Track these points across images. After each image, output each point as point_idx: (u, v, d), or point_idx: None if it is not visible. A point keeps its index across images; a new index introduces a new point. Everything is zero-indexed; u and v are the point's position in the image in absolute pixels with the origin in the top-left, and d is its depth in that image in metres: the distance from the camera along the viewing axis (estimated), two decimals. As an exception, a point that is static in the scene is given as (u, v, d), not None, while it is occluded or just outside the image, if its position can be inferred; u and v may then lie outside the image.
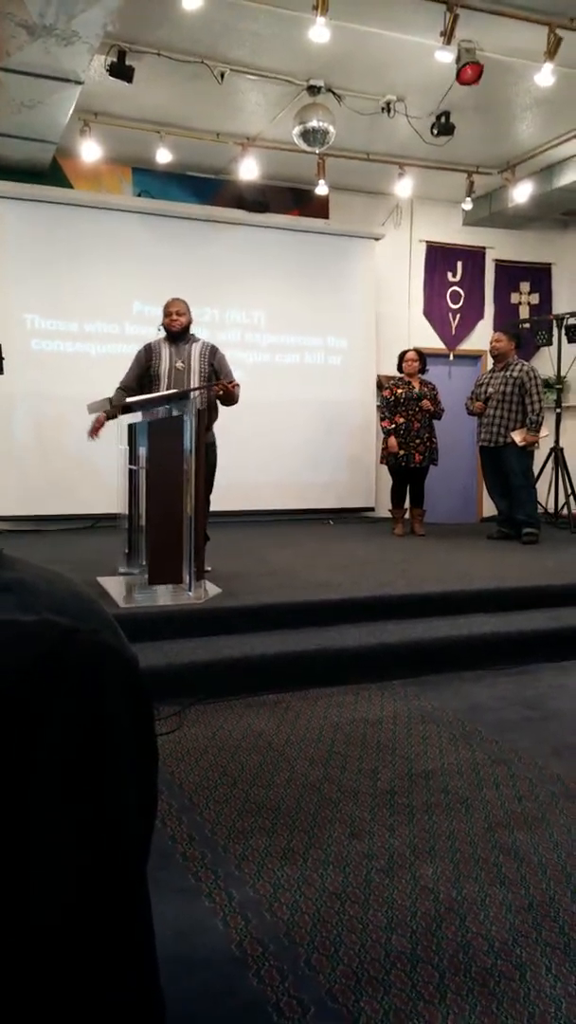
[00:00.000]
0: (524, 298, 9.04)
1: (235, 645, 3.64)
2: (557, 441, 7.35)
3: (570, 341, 7.54)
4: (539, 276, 9.06)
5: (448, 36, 5.02)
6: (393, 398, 6.75)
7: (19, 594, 0.58)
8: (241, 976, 1.61)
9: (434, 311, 8.73)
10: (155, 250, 7.40)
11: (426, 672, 3.70)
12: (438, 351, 8.53)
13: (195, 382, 4.78)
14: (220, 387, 4.68)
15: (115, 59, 5.39)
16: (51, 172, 7.10)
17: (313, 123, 6.17)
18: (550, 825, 2.27)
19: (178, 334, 4.90)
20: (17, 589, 0.59)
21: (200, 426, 4.34)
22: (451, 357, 8.76)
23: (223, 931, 1.76)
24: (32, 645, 0.55)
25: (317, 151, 6.54)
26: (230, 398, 4.72)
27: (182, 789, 2.50)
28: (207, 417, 4.62)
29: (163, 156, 6.86)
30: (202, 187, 7.75)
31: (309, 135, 6.25)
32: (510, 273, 8.97)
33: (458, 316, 8.81)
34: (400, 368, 6.89)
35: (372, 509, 8.28)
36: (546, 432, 6.64)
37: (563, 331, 7.57)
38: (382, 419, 6.90)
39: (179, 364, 4.84)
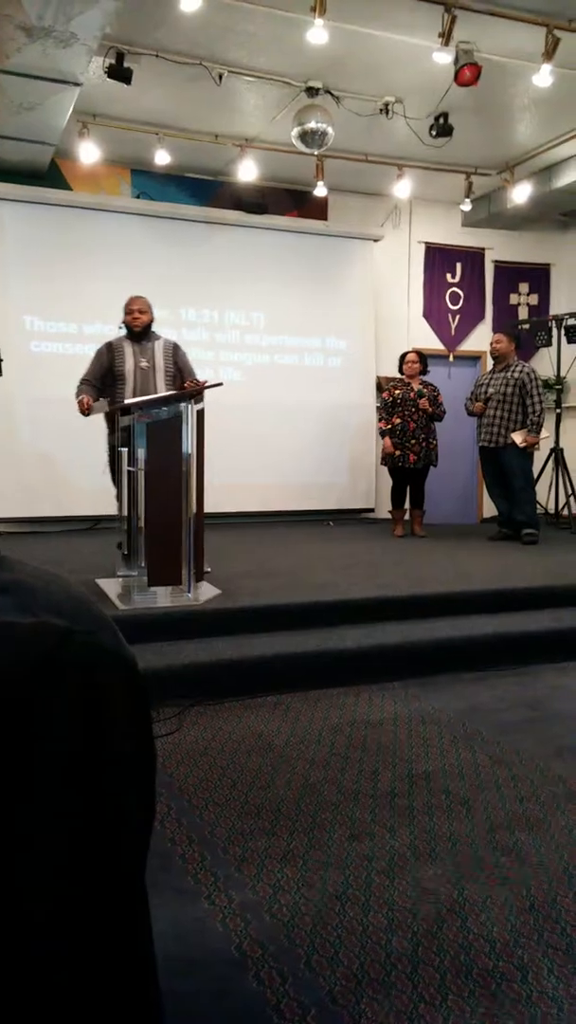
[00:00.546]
0: (523, 299, 9.04)
1: (234, 646, 3.63)
2: (557, 442, 7.35)
3: (569, 342, 7.54)
4: (538, 277, 9.07)
5: (446, 37, 5.02)
6: (391, 399, 6.75)
7: (16, 596, 0.58)
8: (241, 978, 1.60)
9: (433, 312, 8.74)
10: (154, 252, 7.40)
11: (426, 673, 3.70)
12: (438, 352, 8.54)
13: (160, 380, 4.82)
14: (192, 385, 4.72)
15: (113, 61, 5.40)
16: (50, 174, 7.11)
17: (311, 124, 6.18)
18: (551, 826, 2.26)
19: (140, 332, 4.92)
20: (14, 591, 0.58)
21: (201, 428, 4.34)
22: (451, 358, 8.76)
23: (223, 933, 1.76)
24: (29, 647, 0.54)
25: (316, 152, 6.55)
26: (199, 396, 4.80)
27: (181, 791, 2.49)
28: None
29: (162, 158, 6.87)
30: (201, 189, 7.75)
31: (308, 136, 6.26)
32: (509, 274, 8.97)
33: (457, 317, 8.81)
34: (401, 370, 6.89)
35: (372, 510, 8.28)
36: (546, 433, 6.64)
37: (562, 332, 7.58)
38: (379, 420, 6.91)
39: (143, 363, 4.85)
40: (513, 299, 9.02)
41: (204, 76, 5.74)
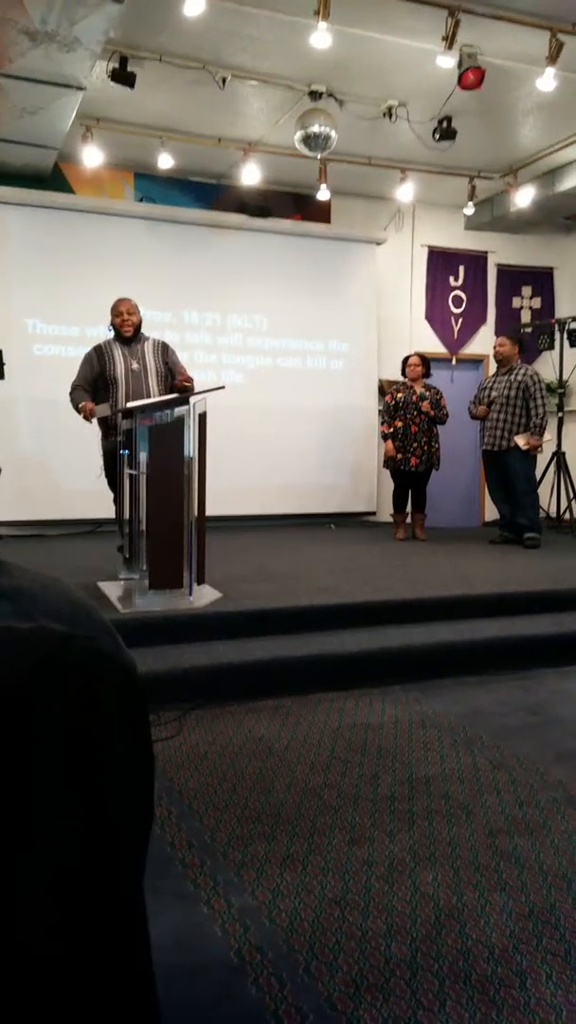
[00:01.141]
0: (526, 302, 9.04)
1: (235, 650, 3.63)
2: (559, 445, 7.35)
3: (572, 345, 7.54)
4: (541, 280, 9.06)
5: (449, 41, 5.03)
6: (394, 402, 6.76)
7: (16, 601, 0.58)
8: (240, 984, 1.60)
9: (436, 315, 8.74)
10: (157, 255, 7.41)
11: (427, 677, 3.69)
12: (440, 355, 8.53)
13: (153, 382, 4.80)
14: (183, 382, 4.72)
15: (117, 65, 5.40)
16: (53, 177, 7.12)
17: (315, 128, 6.18)
18: (551, 831, 2.26)
19: (130, 335, 4.89)
20: (14, 596, 0.59)
21: (203, 431, 4.35)
22: (453, 362, 8.75)
23: (222, 938, 1.76)
24: (28, 652, 0.55)
25: (319, 156, 6.55)
26: (189, 392, 4.79)
27: (181, 795, 2.49)
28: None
29: (165, 161, 6.88)
30: (204, 192, 7.76)
31: (311, 140, 6.26)
32: (512, 277, 8.97)
33: (460, 320, 8.81)
34: (403, 373, 6.90)
35: (374, 513, 8.27)
36: (549, 436, 6.64)
37: (565, 335, 7.57)
38: (381, 423, 6.91)
39: (134, 365, 4.83)
40: (516, 302, 9.02)
41: (207, 80, 5.75)
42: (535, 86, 5.49)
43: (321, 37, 4.85)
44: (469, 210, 8.07)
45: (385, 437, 6.78)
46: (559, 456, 7.33)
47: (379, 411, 7.46)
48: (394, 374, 7.22)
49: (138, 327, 4.92)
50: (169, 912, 1.84)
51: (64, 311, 7.15)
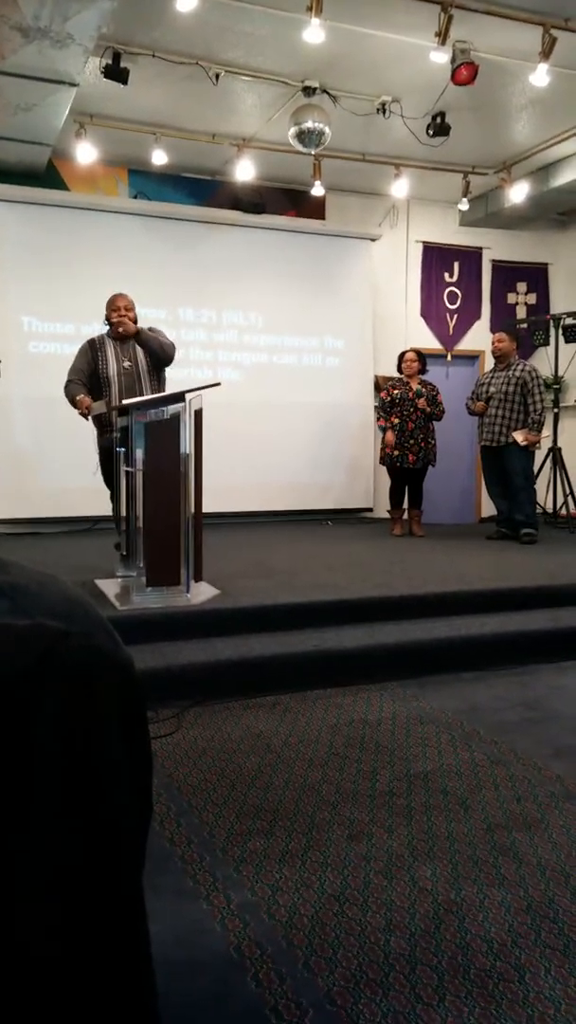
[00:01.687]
0: (521, 298, 9.04)
1: (233, 646, 3.63)
2: (555, 441, 7.35)
3: (567, 341, 7.54)
4: (536, 276, 9.07)
5: (443, 37, 5.02)
6: (389, 399, 6.76)
7: (13, 598, 0.58)
8: (239, 979, 1.60)
9: (431, 311, 8.74)
10: (151, 251, 7.40)
11: (425, 673, 3.70)
12: (435, 351, 8.54)
13: (145, 380, 4.78)
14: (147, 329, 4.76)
15: (110, 61, 5.39)
16: (47, 174, 7.10)
17: (309, 124, 6.17)
18: (549, 826, 2.27)
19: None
20: (10, 593, 0.58)
21: (199, 428, 4.34)
22: (448, 357, 8.76)
23: (221, 934, 1.76)
24: (24, 649, 0.54)
25: (313, 152, 6.55)
26: (163, 354, 4.83)
27: (180, 791, 2.49)
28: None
29: (159, 158, 6.86)
30: (198, 188, 7.75)
31: (305, 136, 6.25)
32: (507, 273, 8.97)
33: (455, 316, 8.81)
34: (400, 369, 6.90)
35: (370, 510, 8.28)
36: (547, 432, 6.64)
37: (560, 331, 7.58)
38: (378, 418, 6.91)
39: (127, 364, 4.80)
40: (511, 298, 9.02)
41: (201, 76, 5.73)
42: (528, 81, 5.50)
43: (314, 33, 4.85)
44: (464, 206, 8.07)
45: (385, 430, 6.78)
46: (555, 452, 7.34)
47: (375, 407, 7.46)
48: (390, 370, 7.22)
49: (134, 324, 4.87)
50: (168, 908, 1.84)
51: (59, 308, 7.14)
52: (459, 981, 1.59)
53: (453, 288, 8.80)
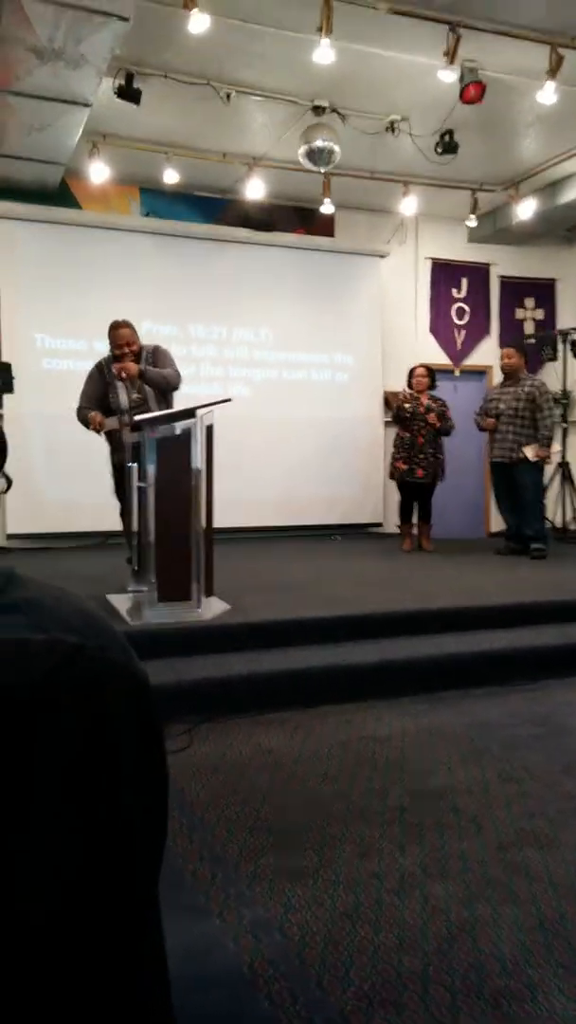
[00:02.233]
0: (529, 314, 9.06)
1: (244, 662, 3.63)
2: (563, 456, 7.35)
3: (575, 356, 7.55)
4: (543, 292, 9.09)
5: (451, 56, 5.07)
6: (400, 413, 6.78)
7: (29, 613, 0.59)
8: (252, 997, 1.60)
9: (439, 327, 8.77)
10: (163, 269, 7.46)
11: (435, 689, 3.69)
12: (443, 367, 8.55)
13: (154, 408, 4.68)
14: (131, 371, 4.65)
15: (123, 82, 5.46)
16: (60, 193, 7.18)
17: (318, 143, 6.23)
18: (561, 843, 2.25)
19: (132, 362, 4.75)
20: (27, 609, 0.59)
21: (210, 443, 4.36)
22: (456, 373, 8.78)
23: (234, 951, 1.75)
24: (40, 663, 0.55)
25: (322, 170, 6.60)
26: (169, 387, 4.80)
27: (192, 807, 2.49)
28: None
29: (170, 176, 6.94)
30: (209, 207, 7.82)
31: (314, 154, 6.31)
32: (514, 289, 9.00)
33: (463, 332, 8.84)
34: (410, 384, 6.91)
35: (380, 525, 8.27)
36: (558, 447, 6.64)
37: (568, 346, 7.59)
38: (397, 425, 6.92)
39: (135, 395, 4.78)
40: (519, 314, 9.04)
41: (212, 95, 5.80)
42: (536, 99, 5.54)
43: (324, 53, 4.90)
44: (472, 222, 8.11)
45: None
46: (564, 467, 7.33)
47: (384, 421, 7.47)
48: (399, 385, 7.24)
49: (138, 355, 4.82)
50: (181, 924, 1.84)
51: (72, 325, 7.20)
52: (473, 1000, 1.58)
53: (461, 304, 8.83)
